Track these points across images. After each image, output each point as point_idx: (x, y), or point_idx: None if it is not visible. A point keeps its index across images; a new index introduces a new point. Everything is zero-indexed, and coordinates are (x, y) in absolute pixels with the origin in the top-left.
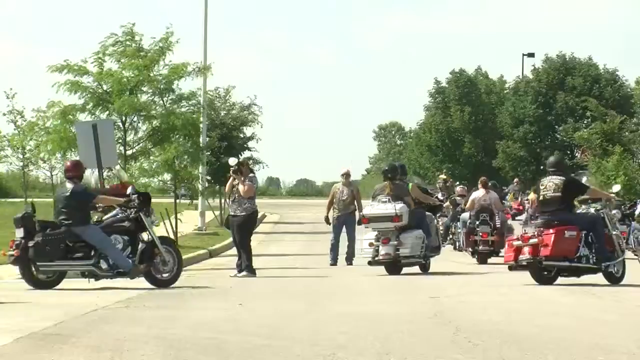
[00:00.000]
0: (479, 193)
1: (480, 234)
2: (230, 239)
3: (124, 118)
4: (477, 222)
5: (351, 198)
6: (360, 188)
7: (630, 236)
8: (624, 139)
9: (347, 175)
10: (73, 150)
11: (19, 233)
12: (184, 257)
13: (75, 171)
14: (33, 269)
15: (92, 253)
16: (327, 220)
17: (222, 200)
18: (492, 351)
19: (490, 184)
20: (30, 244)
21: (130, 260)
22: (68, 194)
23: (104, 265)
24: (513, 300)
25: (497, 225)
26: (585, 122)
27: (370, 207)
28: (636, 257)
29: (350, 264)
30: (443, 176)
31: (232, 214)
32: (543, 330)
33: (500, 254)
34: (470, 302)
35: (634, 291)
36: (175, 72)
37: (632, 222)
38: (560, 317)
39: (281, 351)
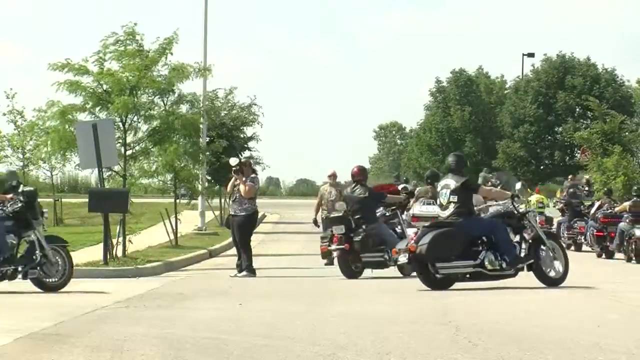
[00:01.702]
0: None
1: None
2: (230, 239)
3: (123, 118)
4: None
5: (339, 198)
6: None
7: (587, 232)
8: (624, 139)
9: (333, 176)
10: (73, 150)
11: (340, 229)
12: (182, 257)
13: (362, 175)
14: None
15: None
16: (315, 222)
17: (222, 200)
18: (492, 351)
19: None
20: (357, 238)
21: None
22: (366, 195)
23: None
24: (513, 300)
25: None
26: (585, 122)
27: (418, 208)
28: (592, 251)
29: None
30: (587, 176)
31: (233, 213)
32: (543, 330)
33: None
34: (470, 302)
35: (634, 291)
36: (176, 73)
37: (590, 220)
38: (560, 317)
39: (281, 351)
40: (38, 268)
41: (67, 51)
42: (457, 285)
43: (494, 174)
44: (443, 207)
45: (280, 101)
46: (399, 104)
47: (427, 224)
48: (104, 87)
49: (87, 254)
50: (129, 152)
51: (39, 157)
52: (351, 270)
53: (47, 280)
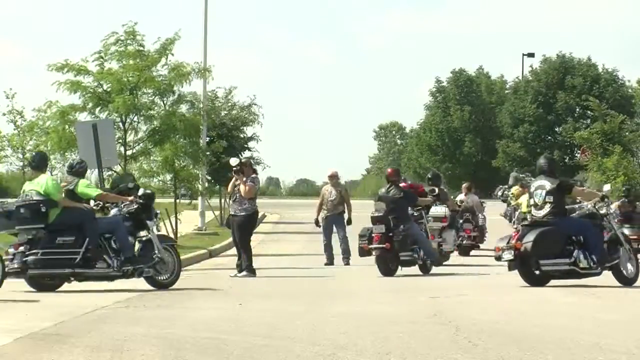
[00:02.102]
0: (461, 196)
1: (464, 230)
2: (230, 239)
3: (124, 118)
4: (461, 221)
5: (339, 199)
6: (360, 188)
7: None
8: (624, 139)
9: (332, 177)
10: (73, 150)
11: (380, 229)
12: (182, 257)
13: (397, 176)
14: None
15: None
16: (317, 222)
17: (222, 200)
18: (492, 351)
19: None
20: (397, 238)
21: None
22: (401, 195)
23: None
24: (513, 300)
25: (478, 224)
26: (585, 122)
27: None
28: None
29: (348, 263)
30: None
31: (233, 213)
32: (543, 330)
33: (481, 247)
34: (470, 302)
35: (634, 291)
36: (177, 74)
37: None
38: (560, 317)
39: (281, 351)
40: (152, 266)
41: (67, 51)
42: (455, 286)
43: (526, 174)
44: (538, 207)
45: (280, 101)
46: (399, 104)
47: (527, 223)
48: (104, 87)
49: None
50: (129, 152)
51: None
52: (389, 268)
53: (159, 278)
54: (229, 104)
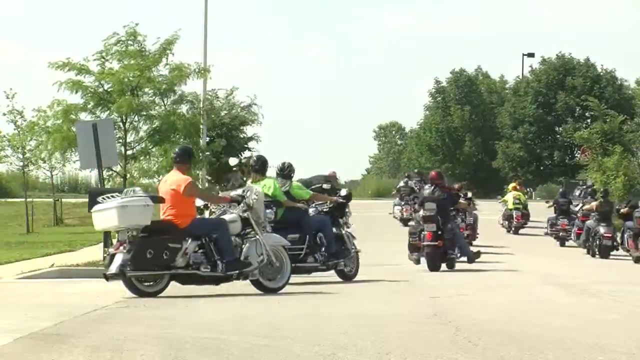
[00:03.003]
0: None
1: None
2: None
3: (124, 118)
4: None
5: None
6: (360, 188)
7: (573, 230)
8: (624, 139)
9: (332, 177)
10: (73, 150)
11: (432, 227)
12: None
13: (440, 179)
14: None
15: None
16: None
17: None
18: (492, 351)
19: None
20: (447, 236)
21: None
22: (444, 197)
23: None
24: (513, 300)
25: (469, 222)
26: (585, 123)
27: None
28: (578, 246)
29: None
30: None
31: None
32: (543, 330)
33: (473, 244)
34: (470, 302)
35: (634, 291)
36: (177, 73)
37: (575, 219)
38: (560, 317)
39: (281, 351)
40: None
41: (68, 51)
42: (455, 285)
43: None
44: None
45: (280, 101)
46: (398, 104)
47: None
48: (105, 86)
49: (87, 254)
50: (129, 152)
51: (39, 157)
52: (436, 264)
53: (346, 270)
54: (229, 104)
